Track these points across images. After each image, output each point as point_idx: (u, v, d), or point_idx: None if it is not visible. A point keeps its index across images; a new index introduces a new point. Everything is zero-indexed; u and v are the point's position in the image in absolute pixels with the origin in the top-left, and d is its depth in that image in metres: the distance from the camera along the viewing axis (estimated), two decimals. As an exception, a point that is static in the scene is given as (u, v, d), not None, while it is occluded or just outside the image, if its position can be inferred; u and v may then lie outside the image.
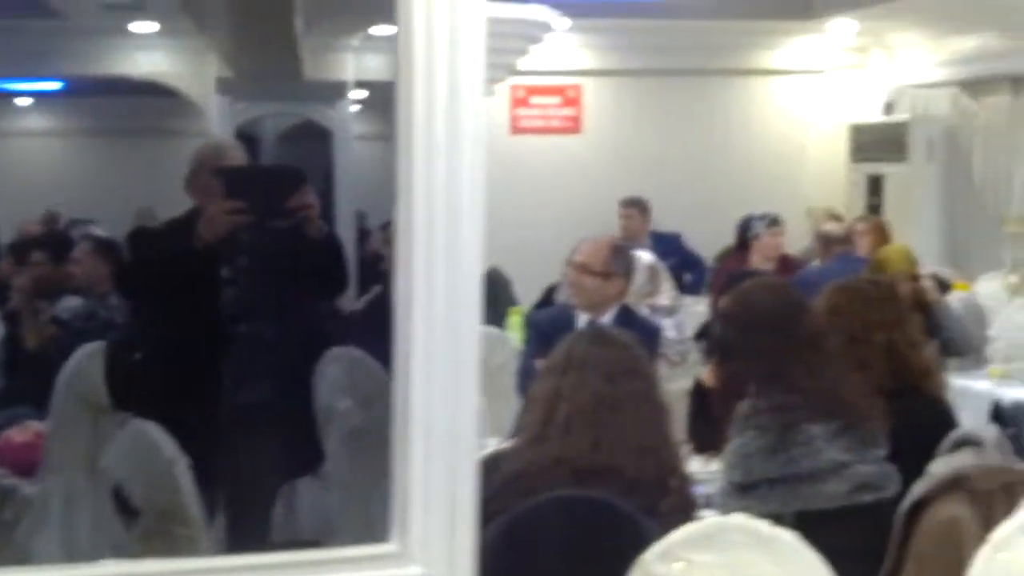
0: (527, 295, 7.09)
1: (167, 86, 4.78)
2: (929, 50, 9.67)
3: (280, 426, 3.73)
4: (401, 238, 1.99)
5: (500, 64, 2.22)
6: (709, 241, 8.76)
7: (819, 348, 3.31)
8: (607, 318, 4.39)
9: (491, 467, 2.82)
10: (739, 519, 2.47)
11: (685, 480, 2.91)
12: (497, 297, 7.34)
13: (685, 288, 7.43)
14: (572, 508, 2.64)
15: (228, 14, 4.33)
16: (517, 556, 2.60)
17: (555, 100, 9.66)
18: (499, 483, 2.75)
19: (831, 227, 7.41)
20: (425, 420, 2.03)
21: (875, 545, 2.95)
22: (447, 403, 2.03)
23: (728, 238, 8.36)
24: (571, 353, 2.95)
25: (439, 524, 2.05)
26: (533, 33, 2.25)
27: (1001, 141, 9.07)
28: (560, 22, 3.04)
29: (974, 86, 9.32)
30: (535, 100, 9.62)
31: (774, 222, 7.54)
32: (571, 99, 9.69)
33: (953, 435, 3.01)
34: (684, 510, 2.79)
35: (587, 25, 9.16)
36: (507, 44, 2.18)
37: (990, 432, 2.99)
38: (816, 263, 7.41)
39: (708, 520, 2.47)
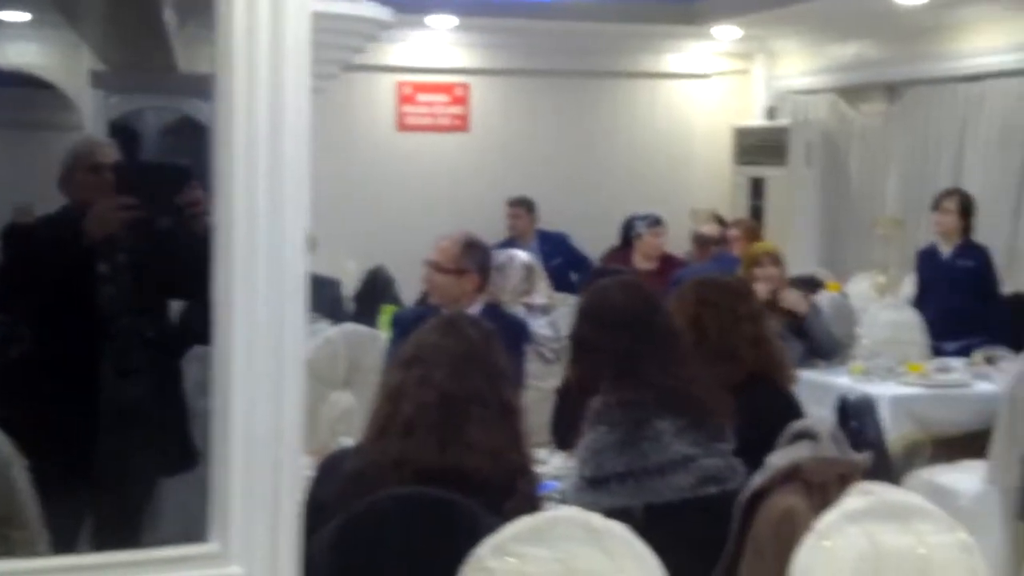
0: (413, 294, 7.10)
1: (40, 78, 4.68)
2: (809, 57, 9.89)
3: (153, 425, 3.70)
4: (220, 235, 1.98)
5: (332, 60, 2.23)
6: (596, 240, 8.85)
7: (670, 344, 3.36)
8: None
9: (333, 466, 2.82)
10: (571, 512, 2.50)
11: (533, 481, 2.86)
12: (381, 297, 7.36)
13: (572, 287, 7.51)
14: (410, 506, 2.59)
15: (98, 5, 4.26)
16: (355, 555, 2.56)
17: (443, 98, 9.65)
18: (340, 482, 2.70)
19: (707, 229, 7.57)
20: (245, 419, 2.01)
21: (721, 535, 3.01)
22: (269, 403, 2.02)
23: (614, 238, 8.46)
24: (419, 345, 2.85)
25: (261, 524, 2.04)
26: (366, 29, 2.26)
27: (876, 146, 9.30)
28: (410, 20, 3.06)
29: (852, 93, 9.56)
30: (422, 97, 9.60)
31: (656, 222, 7.67)
32: (459, 97, 9.70)
33: (791, 428, 3.09)
34: (528, 510, 2.77)
35: (476, 24, 9.18)
36: (337, 40, 2.19)
37: (825, 425, 3.07)
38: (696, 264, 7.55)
39: (540, 514, 2.49)
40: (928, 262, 6.96)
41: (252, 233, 1.98)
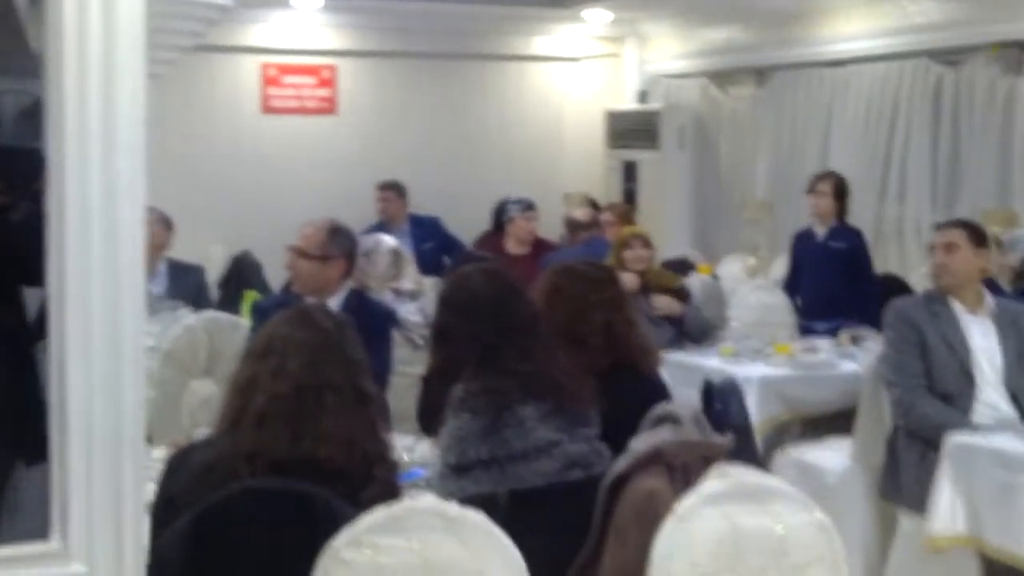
0: (281, 280, 6.99)
1: None
2: (680, 41, 9.98)
3: (9, 416, 3.60)
4: (53, 223, 1.90)
5: (170, 44, 2.14)
6: (468, 224, 8.83)
7: (533, 332, 3.36)
8: (334, 302, 4.34)
9: (183, 459, 2.74)
10: (428, 502, 2.47)
11: (392, 469, 2.83)
12: (247, 282, 7.23)
13: (444, 271, 7.46)
14: (264, 499, 2.54)
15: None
16: (208, 551, 2.50)
17: (309, 80, 9.52)
18: (190, 476, 2.63)
19: (579, 213, 7.59)
20: (83, 414, 1.96)
21: (586, 520, 3.01)
22: (108, 396, 1.96)
23: (487, 221, 8.43)
24: (272, 336, 2.79)
25: (103, 521, 1.99)
26: (207, 14, 2.18)
27: (746, 130, 9.43)
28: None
29: (722, 77, 9.67)
30: (288, 79, 9.46)
31: (528, 207, 7.66)
32: (326, 79, 9.57)
33: (653, 412, 3.10)
34: (387, 499, 2.73)
35: (342, 4, 9.07)
36: (175, 24, 2.10)
37: (687, 409, 3.09)
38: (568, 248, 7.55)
39: (397, 504, 2.45)
40: (803, 244, 7.03)
41: (85, 221, 1.91)
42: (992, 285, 4.94)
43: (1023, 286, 5.67)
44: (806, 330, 6.53)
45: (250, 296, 5.73)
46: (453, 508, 2.43)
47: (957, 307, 4.53)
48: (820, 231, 6.90)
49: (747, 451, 3.54)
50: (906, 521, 4.40)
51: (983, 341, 4.49)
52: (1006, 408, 4.42)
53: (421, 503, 2.47)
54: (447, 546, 2.39)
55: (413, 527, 2.39)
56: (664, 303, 5.89)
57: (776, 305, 6.80)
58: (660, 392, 3.73)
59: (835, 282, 6.70)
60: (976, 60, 7.51)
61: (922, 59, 7.83)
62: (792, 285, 7.03)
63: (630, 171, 9.97)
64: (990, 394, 4.43)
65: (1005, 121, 7.37)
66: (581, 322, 3.63)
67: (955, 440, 4.13)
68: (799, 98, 8.88)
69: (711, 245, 9.53)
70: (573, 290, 3.71)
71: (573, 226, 7.49)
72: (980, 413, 4.39)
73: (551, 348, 3.37)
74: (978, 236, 4.62)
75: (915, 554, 4.28)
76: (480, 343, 3.30)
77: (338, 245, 4.44)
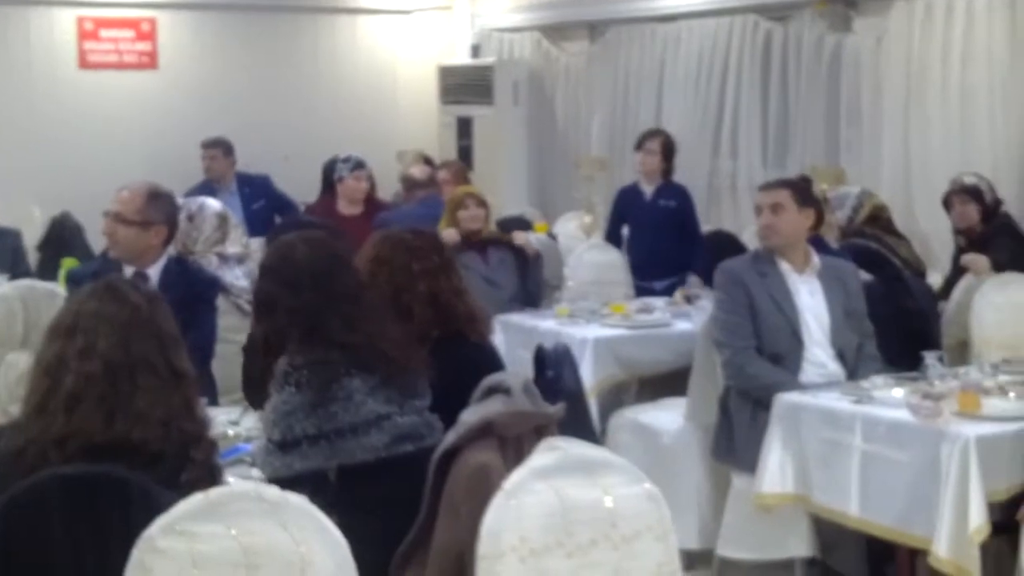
0: (103, 243, 6.72)
1: None
2: (512, -5, 9.90)
3: None
4: None
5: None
6: (299, 182, 8.61)
7: (358, 301, 3.27)
8: (154, 270, 4.17)
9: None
10: (246, 486, 2.37)
11: (210, 449, 2.73)
12: (68, 245, 6.92)
13: (268, 236, 7.25)
14: (76, 486, 2.42)
15: None
16: (17, 541, 2.38)
17: (128, 33, 9.24)
18: None
19: (414, 170, 7.46)
20: None
21: (418, 494, 2.94)
22: None
23: (319, 180, 8.23)
24: (79, 313, 2.66)
25: None
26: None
27: (580, 86, 9.42)
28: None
29: (555, 31, 9.63)
30: (105, 33, 9.17)
31: (357, 165, 7.48)
32: (145, 33, 9.30)
33: (483, 383, 3.03)
34: (207, 482, 2.62)
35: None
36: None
37: (518, 379, 3.02)
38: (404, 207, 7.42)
39: (213, 490, 2.33)
40: (629, 200, 7.05)
41: None
42: (818, 243, 5.00)
43: (850, 243, 5.79)
44: (644, 290, 6.55)
45: (67, 263, 5.46)
46: (273, 492, 2.33)
47: (784, 267, 4.57)
48: (648, 189, 6.92)
49: (580, 418, 3.51)
50: (738, 480, 4.45)
51: (810, 300, 4.54)
52: (833, 366, 4.49)
53: (239, 488, 2.37)
54: (268, 531, 2.29)
55: (232, 513, 2.29)
56: (522, 237, 5.90)
57: (611, 264, 6.82)
58: (491, 359, 3.69)
59: (666, 241, 6.76)
60: (803, 16, 7.63)
61: (751, 15, 7.91)
62: (615, 239, 7.05)
63: (465, 127, 9.88)
64: (818, 353, 4.49)
65: (831, 78, 7.52)
66: (405, 292, 3.56)
67: (784, 400, 4.19)
68: (632, 54, 8.90)
69: (549, 202, 9.53)
70: (395, 260, 3.62)
71: (409, 184, 7.36)
72: (809, 372, 4.45)
73: (378, 318, 3.28)
74: (803, 195, 4.66)
75: (747, 512, 4.33)
76: (303, 315, 3.21)
77: (158, 210, 4.25)
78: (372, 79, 10.08)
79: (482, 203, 6.08)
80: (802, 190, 4.75)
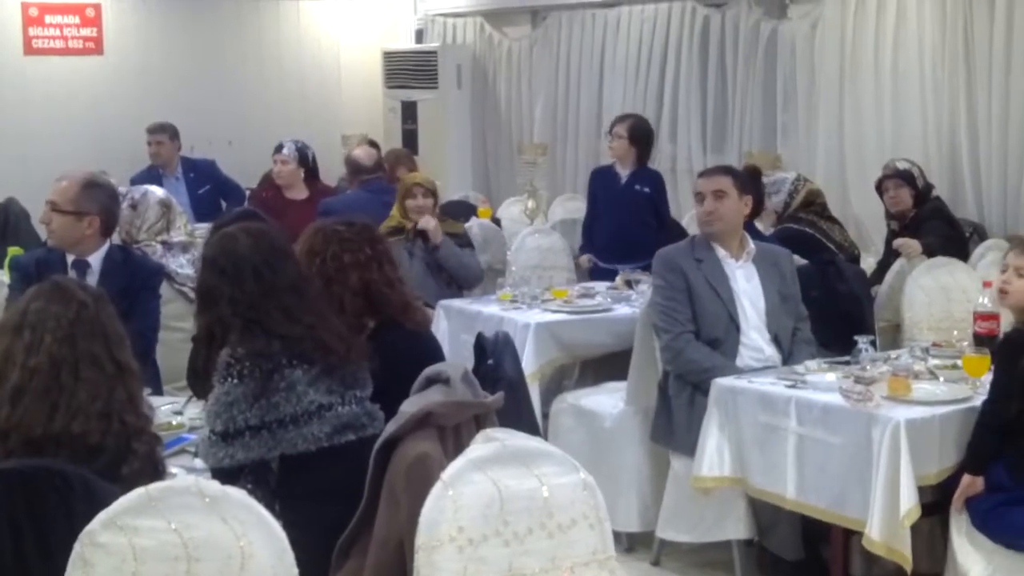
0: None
1: None
2: (455, -21, 9.91)
3: None
4: None
5: None
6: (245, 167, 8.61)
7: (300, 293, 3.29)
8: (95, 258, 4.18)
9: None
10: (187, 481, 2.40)
11: (153, 442, 2.78)
12: (14, 232, 6.87)
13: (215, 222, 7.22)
14: (15, 480, 2.42)
15: None
16: None
17: (73, 19, 9.15)
18: None
19: (358, 153, 7.42)
20: None
21: (359, 484, 2.97)
22: None
23: (263, 165, 8.21)
24: (26, 311, 2.72)
25: None
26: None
27: (523, 71, 9.46)
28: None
29: (498, 16, 9.65)
30: (51, 19, 9.08)
31: (276, 148, 7.46)
32: (90, 19, 9.22)
33: (423, 374, 3.07)
34: (150, 475, 2.66)
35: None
36: None
37: (457, 368, 3.07)
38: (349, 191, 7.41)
39: (154, 484, 2.36)
40: (603, 182, 6.93)
41: None
42: (752, 229, 5.08)
43: (785, 228, 5.88)
44: (608, 272, 6.52)
45: (13, 252, 5.44)
46: (213, 486, 2.37)
47: (721, 253, 4.65)
48: (623, 172, 6.84)
49: (520, 406, 3.54)
50: (677, 463, 4.52)
51: (746, 285, 4.62)
52: (770, 351, 4.57)
53: (179, 482, 2.39)
54: (208, 525, 2.32)
55: (172, 507, 2.32)
56: (426, 221, 5.96)
57: (554, 248, 6.86)
58: (429, 348, 3.72)
59: (637, 225, 6.68)
60: (740, 3, 7.71)
61: (689, 2, 7.99)
62: (591, 223, 6.98)
63: (409, 111, 9.89)
64: (754, 337, 4.57)
65: (768, 64, 7.61)
66: (336, 283, 3.58)
67: (721, 384, 4.26)
68: (573, 39, 8.94)
69: (493, 187, 9.57)
70: (327, 251, 3.64)
71: (354, 168, 7.34)
72: (745, 356, 4.53)
73: (321, 310, 3.31)
74: (742, 182, 4.74)
75: (686, 495, 4.41)
76: (244, 306, 3.22)
77: (93, 200, 4.25)
78: (316, 64, 10.05)
79: (430, 192, 6.10)
80: (742, 177, 4.83)
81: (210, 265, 3.35)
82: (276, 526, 2.39)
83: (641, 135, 6.82)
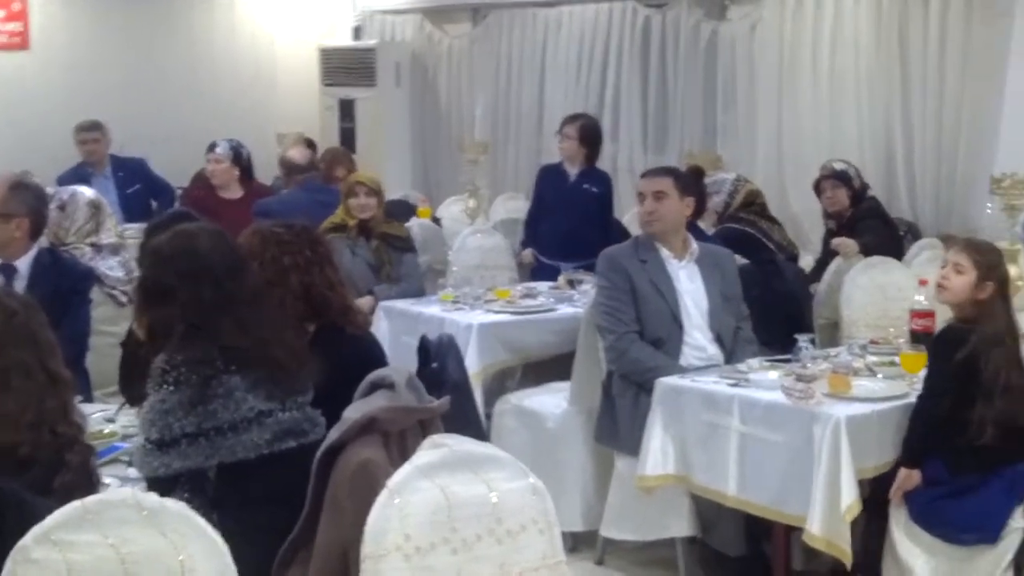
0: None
1: None
2: (394, -25, 9.84)
3: None
4: None
5: None
6: (176, 166, 8.46)
7: (258, 304, 3.19)
8: (23, 262, 4.07)
9: None
10: (123, 493, 2.33)
11: (87, 453, 2.70)
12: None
13: (152, 215, 7.10)
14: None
15: None
16: None
17: (-1, 13, 8.98)
18: None
19: (292, 153, 7.34)
20: None
21: (302, 490, 2.91)
22: None
23: (196, 163, 8.08)
24: None
25: None
26: None
27: (463, 69, 9.41)
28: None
29: (437, 13, 9.60)
30: (-26, 13, 8.91)
31: (209, 147, 7.35)
32: (16, 13, 9.05)
33: (367, 379, 3.02)
34: (84, 487, 2.58)
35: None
36: None
37: (401, 373, 3.02)
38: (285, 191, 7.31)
39: (90, 497, 2.29)
40: (552, 180, 6.89)
41: None
42: (695, 229, 5.09)
43: (725, 228, 5.89)
44: (551, 269, 6.51)
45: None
46: (151, 499, 2.30)
47: (664, 253, 4.66)
48: (572, 171, 6.80)
49: (466, 410, 3.51)
50: (621, 463, 4.51)
51: (690, 285, 4.64)
52: (712, 350, 4.59)
53: (116, 495, 2.33)
54: (146, 539, 2.26)
55: (108, 521, 2.25)
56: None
57: (496, 248, 6.81)
58: (371, 351, 3.67)
59: (586, 225, 6.64)
60: (680, 3, 7.72)
61: (630, 1, 7.99)
62: (536, 219, 6.94)
63: (347, 109, 9.80)
64: (697, 337, 4.59)
65: (708, 65, 7.63)
66: (276, 286, 3.48)
67: (664, 384, 4.26)
68: (514, 38, 8.92)
69: (433, 186, 9.52)
70: (267, 254, 3.56)
71: (289, 168, 7.25)
72: (688, 356, 4.55)
73: (274, 322, 3.20)
74: (684, 183, 4.74)
75: (630, 494, 4.41)
76: (196, 310, 3.09)
77: (20, 202, 4.16)
78: (251, 60, 9.93)
79: (373, 192, 6.02)
80: (683, 178, 4.83)
81: (166, 262, 3.18)
82: (217, 538, 2.33)
83: (591, 136, 6.80)
